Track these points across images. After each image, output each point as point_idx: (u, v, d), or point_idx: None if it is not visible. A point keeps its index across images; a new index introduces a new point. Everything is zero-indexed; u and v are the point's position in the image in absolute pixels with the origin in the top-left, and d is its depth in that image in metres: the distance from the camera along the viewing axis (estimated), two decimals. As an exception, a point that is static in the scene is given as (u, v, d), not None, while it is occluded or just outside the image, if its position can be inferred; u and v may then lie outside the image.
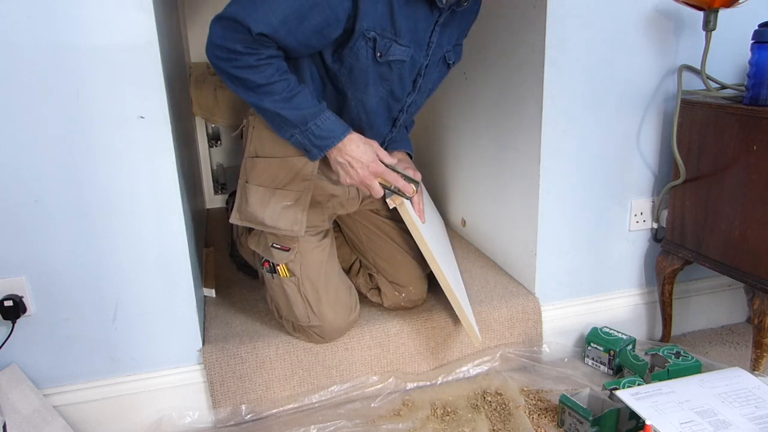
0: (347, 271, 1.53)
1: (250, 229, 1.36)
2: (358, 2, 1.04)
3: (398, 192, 1.24)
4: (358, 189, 1.37)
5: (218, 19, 1.06)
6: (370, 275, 1.50)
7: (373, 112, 1.22)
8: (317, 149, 1.15)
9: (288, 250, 1.29)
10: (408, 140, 1.45)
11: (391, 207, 1.27)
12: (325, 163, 1.23)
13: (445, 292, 1.32)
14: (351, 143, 1.16)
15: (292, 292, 1.31)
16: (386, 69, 1.15)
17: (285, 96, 1.10)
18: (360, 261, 1.53)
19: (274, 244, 1.30)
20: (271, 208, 1.25)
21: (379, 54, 1.11)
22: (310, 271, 1.31)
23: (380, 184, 1.21)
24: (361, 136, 1.20)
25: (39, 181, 1.11)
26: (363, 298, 1.50)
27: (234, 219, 1.30)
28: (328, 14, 1.04)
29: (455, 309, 1.32)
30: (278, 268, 1.31)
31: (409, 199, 1.26)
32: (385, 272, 1.45)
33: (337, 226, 1.54)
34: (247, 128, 1.29)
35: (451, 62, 1.28)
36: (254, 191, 1.26)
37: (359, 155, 1.17)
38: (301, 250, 1.30)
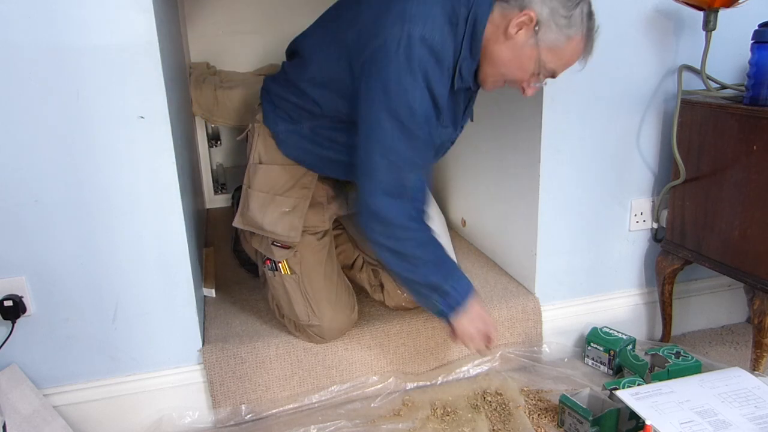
0: (350, 266, 1.54)
1: None
2: (439, 109, 1.10)
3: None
4: (356, 190, 1.38)
5: (380, 199, 1.10)
6: (374, 271, 1.50)
7: None
8: (451, 309, 1.18)
9: (289, 248, 1.31)
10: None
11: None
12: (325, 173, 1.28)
13: None
14: (475, 300, 1.21)
15: (293, 290, 1.32)
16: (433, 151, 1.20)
17: (434, 260, 1.16)
18: (363, 257, 1.54)
19: (275, 243, 1.31)
20: (270, 214, 1.28)
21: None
22: (310, 269, 1.33)
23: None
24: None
25: (39, 181, 1.11)
26: (364, 298, 1.50)
27: (237, 223, 1.33)
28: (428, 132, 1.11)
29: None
30: (280, 265, 1.32)
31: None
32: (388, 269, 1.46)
33: (340, 224, 1.54)
34: (252, 134, 1.32)
35: (465, 124, 1.33)
36: (255, 197, 1.29)
37: (481, 311, 1.22)
38: (301, 248, 1.32)
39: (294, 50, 1.27)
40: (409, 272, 1.16)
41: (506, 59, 1.09)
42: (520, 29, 1.05)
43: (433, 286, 1.17)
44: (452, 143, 1.29)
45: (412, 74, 1.03)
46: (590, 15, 1.07)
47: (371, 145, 1.09)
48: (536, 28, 1.03)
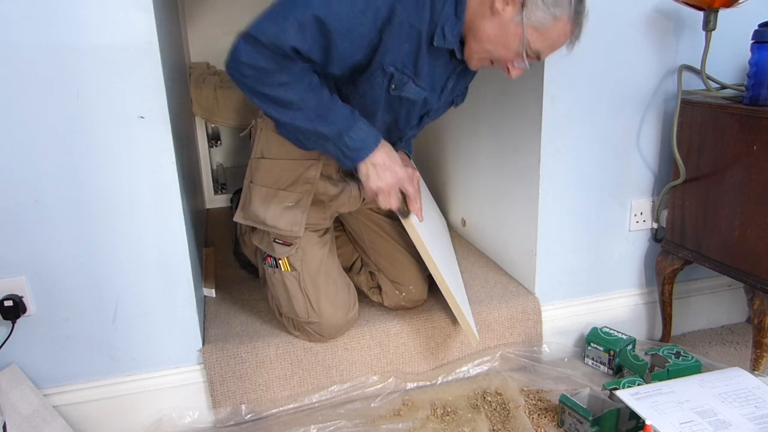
0: (349, 269, 1.54)
1: (254, 227, 1.37)
2: (382, 36, 1.04)
3: (403, 208, 1.22)
4: (359, 188, 1.38)
5: (246, 36, 1.00)
6: (371, 273, 1.50)
7: None
8: (350, 160, 1.13)
9: (290, 246, 1.31)
10: (408, 144, 1.47)
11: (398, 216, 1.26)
12: (331, 167, 1.25)
13: (445, 296, 1.31)
14: (382, 152, 1.14)
15: (293, 287, 1.32)
16: (397, 102, 1.16)
17: (318, 113, 1.08)
18: (361, 259, 1.54)
19: (277, 239, 1.31)
20: (272, 209, 1.28)
21: (393, 86, 1.12)
22: (310, 266, 1.33)
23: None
24: (388, 143, 1.18)
25: (39, 181, 1.11)
26: (364, 298, 1.50)
27: (238, 217, 1.33)
28: (355, 43, 1.03)
29: (454, 312, 1.32)
30: (280, 262, 1.32)
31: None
32: (386, 271, 1.46)
33: (340, 224, 1.54)
34: (255, 129, 1.32)
35: (457, 104, 1.31)
36: (258, 191, 1.29)
37: (390, 162, 1.15)
38: (302, 246, 1.32)
39: None
40: (292, 119, 1.08)
41: (492, 35, 1.06)
42: (507, 5, 1.03)
43: (324, 136, 1.10)
44: (433, 113, 1.24)
45: None
46: None
47: None
48: (523, 4, 1.02)
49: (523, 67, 1.10)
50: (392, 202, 1.17)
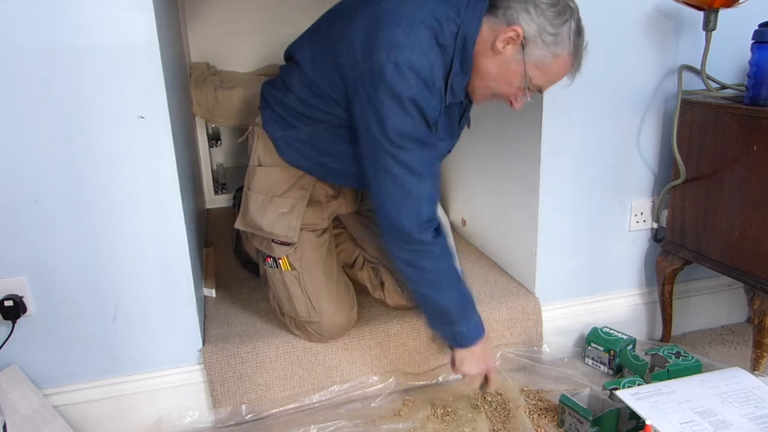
0: (351, 265, 1.55)
1: None
2: (434, 127, 1.12)
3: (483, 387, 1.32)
4: (357, 191, 1.40)
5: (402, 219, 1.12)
6: (374, 269, 1.50)
7: None
8: (455, 343, 1.25)
9: (288, 245, 1.32)
10: None
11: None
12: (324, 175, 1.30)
13: None
14: (482, 343, 1.25)
15: (293, 286, 1.33)
16: None
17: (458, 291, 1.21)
18: (363, 256, 1.54)
19: (275, 240, 1.32)
20: (268, 215, 1.30)
21: None
22: (310, 265, 1.34)
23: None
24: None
25: (39, 181, 1.11)
26: (364, 298, 1.50)
27: (238, 225, 1.35)
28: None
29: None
30: (280, 262, 1.33)
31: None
32: (389, 268, 1.46)
33: (340, 222, 1.55)
34: (252, 137, 1.33)
35: (469, 126, 1.34)
36: (254, 199, 1.31)
37: (485, 354, 1.26)
38: (301, 245, 1.33)
39: (290, 56, 1.27)
40: (431, 291, 1.19)
41: (493, 73, 1.10)
42: (507, 44, 1.05)
43: (449, 319, 1.22)
44: (449, 151, 1.31)
45: (401, 100, 1.04)
46: (578, 32, 1.07)
47: (373, 163, 1.12)
48: (523, 44, 1.04)
49: (525, 100, 1.13)
50: (476, 384, 1.28)
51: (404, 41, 1.03)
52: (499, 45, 1.05)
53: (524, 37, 1.03)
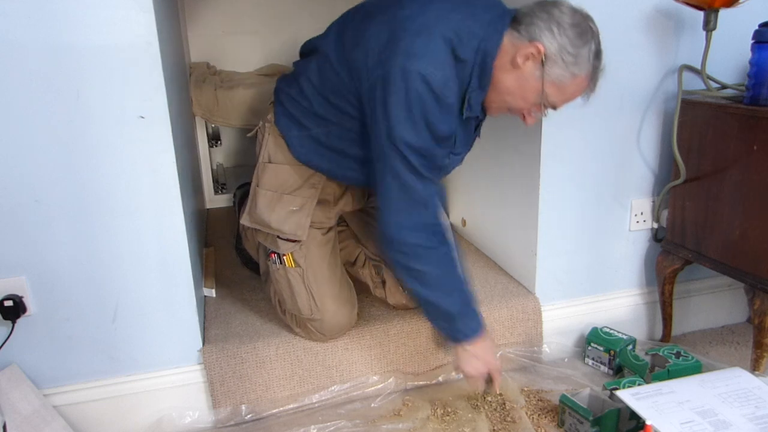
0: (353, 263, 1.55)
1: None
2: (441, 141, 1.12)
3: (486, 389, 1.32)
4: (364, 189, 1.41)
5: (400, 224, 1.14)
6: (376, 267, 1.50)
7: None
8: (450, 337, 1.27)
9: (294, 242, 1.32)
10: None
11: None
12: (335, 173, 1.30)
13: None
14: (483, 341, 1.24)
15: (297, 283, 1.33)
16: (444, 170, 1.24)
17: (447, 287, 1.21)
18: (365, 254, 1.54)
19: (281, 236, 1.32)
20: (277, 212, 1.30)
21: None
22: (314, 262, 1.34)
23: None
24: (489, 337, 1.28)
25: (39, 181, 1.11)
26: (364, 298, 1.50)
27: (244, 220, 1.35)
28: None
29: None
30: (284, 258, 1.33)
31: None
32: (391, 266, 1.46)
33: (343, 221, 1.55)
34: (262, 133, 1.34)
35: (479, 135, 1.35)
36: (263, 195, 1.31)
37: (482, 353, 1.25)
38: (306, 243, 1.33)
39: (311, 48, 1.27)
40: (428, 293, 1.20)
41: (511, 88, 1.10)
42: (528, 60, 1.06)
43: (447, 316, 1.22)
44: (461, 162, 1.32)
45: (411, 111, 1.05)
46: (598, 54, 1.08)
47: (381, 166, 1.13)
48: (543, 61, 1.05)
49: (539, 116, 1.14)
50: (478, 386, 1.30)
51: (421, 52, 1.04)
52: (519, 60, 1.06)
53: (545, 55, 1.04)
